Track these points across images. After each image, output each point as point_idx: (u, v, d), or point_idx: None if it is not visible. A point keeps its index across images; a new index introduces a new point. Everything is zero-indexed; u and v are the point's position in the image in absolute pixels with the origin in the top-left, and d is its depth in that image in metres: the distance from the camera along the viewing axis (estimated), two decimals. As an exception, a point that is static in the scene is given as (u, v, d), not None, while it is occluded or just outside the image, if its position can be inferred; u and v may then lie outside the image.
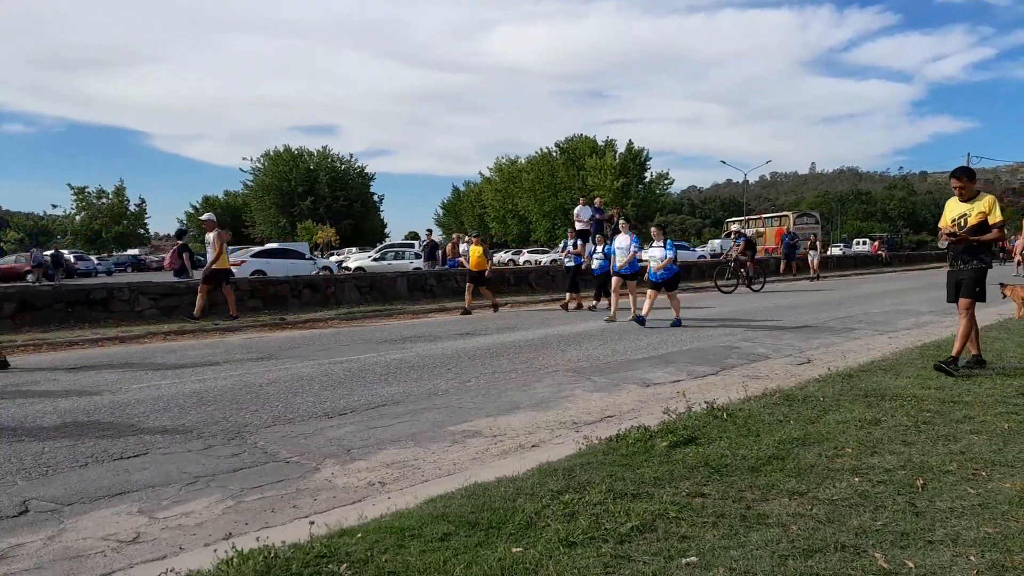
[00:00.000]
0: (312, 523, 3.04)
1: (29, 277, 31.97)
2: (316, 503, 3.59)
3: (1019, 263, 22.98)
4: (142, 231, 69.56)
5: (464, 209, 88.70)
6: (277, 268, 21.40)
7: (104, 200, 63.16)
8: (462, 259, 17.65)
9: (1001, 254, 27.56)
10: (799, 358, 7.74)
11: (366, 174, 73.91)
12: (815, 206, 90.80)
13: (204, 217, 12.95)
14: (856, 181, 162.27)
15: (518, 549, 2.64)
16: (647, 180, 64.82)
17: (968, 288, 5.90)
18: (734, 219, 68.21)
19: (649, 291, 11.01)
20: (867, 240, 62.16)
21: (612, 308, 12.03)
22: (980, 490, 3.14)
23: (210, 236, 12.12)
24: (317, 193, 67.09)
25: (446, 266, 21.11)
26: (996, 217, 5.76)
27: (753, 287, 18.68)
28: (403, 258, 26.49)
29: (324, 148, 71.55)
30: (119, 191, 63.66)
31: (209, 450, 4.52)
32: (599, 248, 13.16)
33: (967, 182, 5.90)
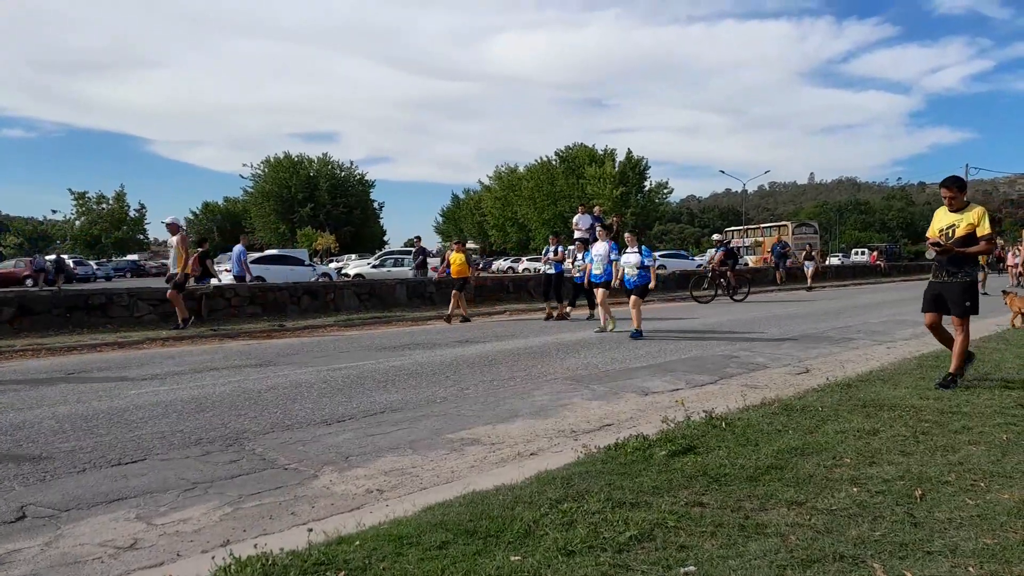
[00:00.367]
0: (310, 530, 3.03)
1: (28, 282, 31.97)
2: (314, 510, 3.58)
3: (1021, 274, 22.94)
4: (142, 236, 69.65)
5: (463, 217, 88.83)
6: (277, 275, 21.40)
7: (104, 205, 63.27)
8: (442, 267, 17.44)
9: (1001, 264, 27.54)
10: (798, 367, 7.74)
11: (366, 181, 74.19)
12: (814, 216, 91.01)
13: (168, 220, 12.44)
14: (855, 191, 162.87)
15: (516, 558, 2.63)
16: (646, 189, 65.03)
17: (958, 306, 5.70)
18: (732, 228, 68.34)
19: (632, 299, 10.59)
20: (865, 250, 62.35)
21: (603, 319, 11.50)
22: (978, 501, 3.14)
23: (173, 240, 11.85)
24: (317, 200, 67.23)
25: (446, 274, 21.07)
26: (985, 229, 5.61)
27: (735, 297, 18.57)
28: (403, 265, 26.49)
29: (324, 155, 71.97)
30: (119, 196, 63.82)
31: (207, 456, 4.52)
32: (579, 256, 12.87)
33: (957, 192, 5.76)
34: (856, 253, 64.76)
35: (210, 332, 11.45)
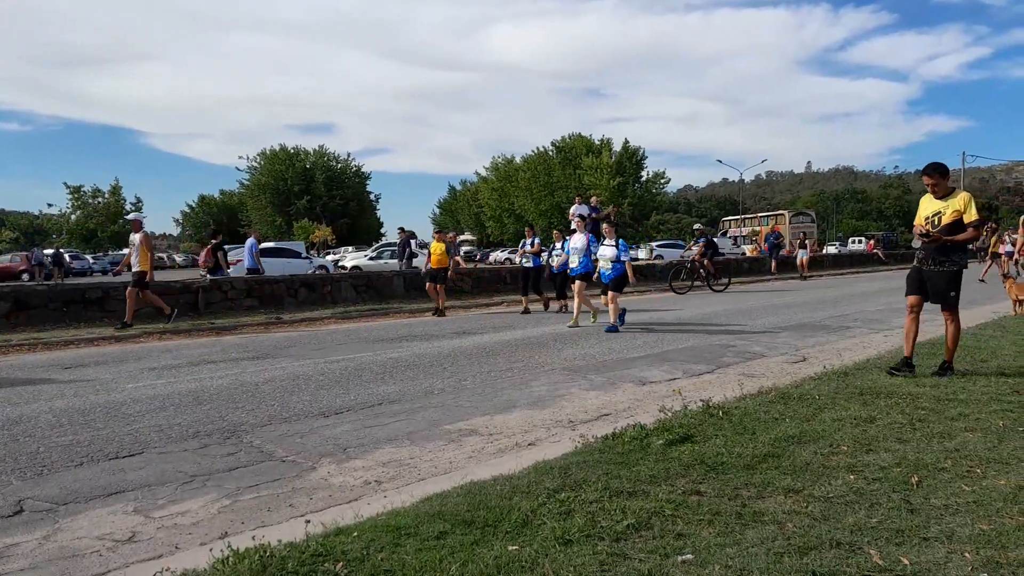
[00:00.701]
0: (308, 522, 3.03)
1: (25, 276, 31.91)
2: (312, 502, 3.58)
3: (1018, 262, 22.90)
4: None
5: (460, 208, 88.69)
6: (273, 267, 21.36)
7: (100, 199, 62.99)
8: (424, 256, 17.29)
9: (982, 252, 27.49)
10: (794, 356, 7.76)
11: (362, 173, 73.91)
12: (811, 205, 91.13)
13: (131, 216, 12.30)
14: (852, 180, 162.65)
15: (514, 547, 2.64)
16: (643, 179, 64.92)
17: (943, 296, 5.64)
18: (729, 218, 68.31)
19: (610, 294, 10.34)
20: (863, 239, 62.36)
21: (576, 313, 11.12)
22: (975, 487, 3.15)
23: (136, 237, 11.62)
24: (313, 192, 67.01)
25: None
26: (972, 215, 5.50)
27: (715, 288, 18.56)
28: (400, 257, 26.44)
29: (320, 147, 71.54)
30: (115, 190, 63.49)
31: (205, 449, 4.52)
32: (558, 245, 12.56)
33: (939, 179, 5.65)
34: (853, 242, 64.79)
35: (208, 325, 11.43)
